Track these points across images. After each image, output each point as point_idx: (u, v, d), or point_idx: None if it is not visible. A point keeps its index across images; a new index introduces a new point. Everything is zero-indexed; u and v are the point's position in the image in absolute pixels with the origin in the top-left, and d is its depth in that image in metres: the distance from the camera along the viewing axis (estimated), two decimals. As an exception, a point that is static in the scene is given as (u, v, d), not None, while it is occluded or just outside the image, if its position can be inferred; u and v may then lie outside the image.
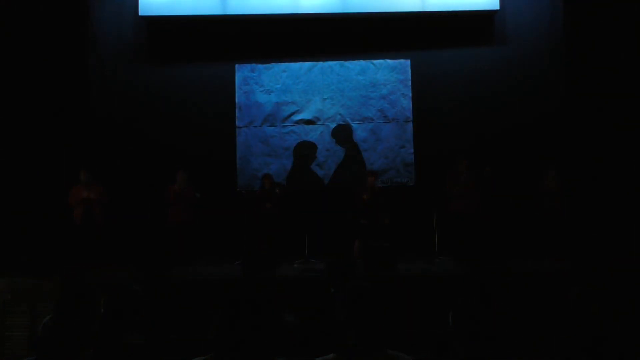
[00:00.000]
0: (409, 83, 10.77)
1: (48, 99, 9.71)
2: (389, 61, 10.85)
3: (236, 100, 10.81)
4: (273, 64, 10.86)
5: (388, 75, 10.83)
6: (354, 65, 10.86)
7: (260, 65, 10.88)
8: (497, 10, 10.36)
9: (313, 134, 10.82)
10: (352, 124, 10.81)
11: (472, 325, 2.49)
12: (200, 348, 2.50)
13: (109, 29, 10.62)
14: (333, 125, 10.82)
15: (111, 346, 2.62)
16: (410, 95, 10.75)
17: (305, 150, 10.79)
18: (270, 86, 10.85)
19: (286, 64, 10.86)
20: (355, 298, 2.52)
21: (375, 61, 10.86)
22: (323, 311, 3.83)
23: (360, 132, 10.80)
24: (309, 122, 10.82)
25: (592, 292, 2.80)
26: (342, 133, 10.80)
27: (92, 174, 9.04)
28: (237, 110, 10.80)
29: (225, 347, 2.36)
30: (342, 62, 10.85)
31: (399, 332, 4.17)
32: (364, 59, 10.84)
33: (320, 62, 10.85)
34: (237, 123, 10.81)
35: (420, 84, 10.69)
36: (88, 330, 3.43)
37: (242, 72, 10.88)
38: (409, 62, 10.81)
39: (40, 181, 9.59)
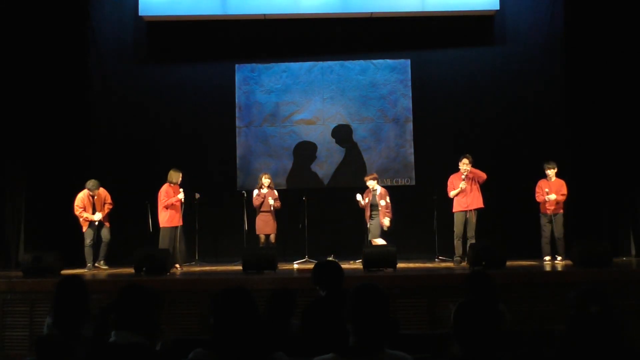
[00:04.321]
0: (409, 83, 10.77)
1: (48, 99, 9.70)
2: (389, 61, 10.85)
3: (236, 100, 10.81)
4: (273, 64, 10.86)
5: (388, 75, 10.83)
6: (354, 65, 10.86)
7: (260, 65, 10.89)
8: (496, 10, 10.35)
9: (313, 134, 10.82)
10: (352, 124, 10.81)
11: (472, 325, 2.49)
12: (199, 347, 2.50)
13: (109, 29, 10.62)
14: (333, 125, 10.82)
15: (106, 344, 2.62)
16: (411, 95, 10.75)
17: (305, 150, 10.79)
18: (271, 86, 10.85)
19: (286, 64, 10.85)
20: (355, 297, 2.52)
21: (375, 61, 10.86)
22: (319, 312, 3.82)
23: (360, 132, 10.80)
24: (309, 122, 10.82)
25: (592, 293, 2.81)
26: (342, 133, 10.80)
27: (97, 182, 8.95)
28: (237, 110, 10.80)
29: (223, 344, 2.37)
30: (342, 62, 10.85)
31: (398, 332, 4.17)
32: (364, 59, 10.84)
33: (320, 62, 10.85)
34: (237, 123, 10.81)
35: (420, 84, 10.69)
36: (84, 330, 3.43)
37: (242, 72, 10.89)
38: (409, 62, 10.81)
39: (39, 180, 9.59)
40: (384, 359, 2.41)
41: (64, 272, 7.41)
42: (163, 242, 8.76)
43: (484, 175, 8.65)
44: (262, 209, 9.36)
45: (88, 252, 8.85)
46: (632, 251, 9.44)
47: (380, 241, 9.05)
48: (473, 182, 8.67)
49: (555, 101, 10.27)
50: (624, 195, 9.62)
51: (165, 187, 8.91)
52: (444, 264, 8.86)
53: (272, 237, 9.37)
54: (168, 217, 8.84)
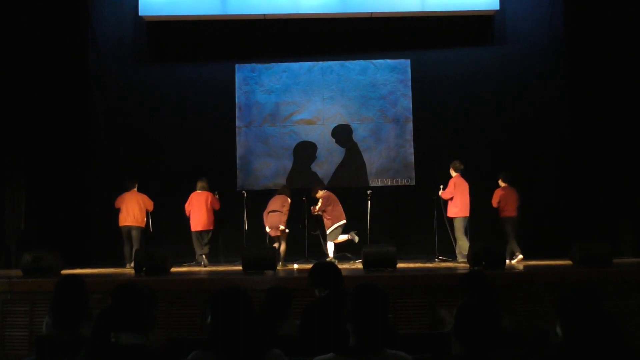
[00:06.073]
0: (409, 83, 10.77)
1: (48, 98, 9.69)
2: (389, 61, 10.85)
3: (236, 100, 10.82)
4: (273, 64, 10.87)
5: (388, 75, 10.83)
6: (354, 66, 10.86)
7: (260, 65, 10.89)
8: (496, 10, 10.35)
9: (313, 134, 10.83)
10: (352, 124, 10.82)
11: (472, 324, 2.49)
12: (198, 348, 2.51)
13: (109, 29, 10.62)
14: (333, 125, 10.82)
15: (107, 346, 2.62)
16: (410, 95, 10.75)
17: (305, 150, 10.80)
18: (271, 86, 10.85)
19: (286, 64, 10.86)
20: (355, 297, 2.52)
21: (375, 61, 10.86)
22: (319, 312, 3.82)
23: (360, 132, 10.81)
24: (309, 122, 10.82)
25: (590, 291, 2.80)
26: (342, 133, 10.80)
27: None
28: (237, 110, 10.81)
29: (220, 344, 2.37)
30: (342, 62, 10.85)
31: (398, 332, 4.17)
32: (364, 59, 10.84)
33: (321, 62, 10.85)
34: (237, 123, 10.81)
35: (420, 84, 10.69)
36: (84, 329, 3.43)
37: (242, 72, 10.89)
38: (409, 62, 10.81)
39: (40, 179, 9.58)
40: (384, 358, 2.41)
41: (64, 272, 7.40)
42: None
43: (444, 197, 9.10)
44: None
45: None
46: (633, 251, 9.44)
47: (329, 245, 9.52)
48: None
49: (555, 101, 10.27)
50: (624, 195, 9.61)
51: (212, 195, 9.48)
52: (443, 264, 8.86)
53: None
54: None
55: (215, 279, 7.39)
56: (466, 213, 8.92)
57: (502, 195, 9.19)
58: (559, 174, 10.11)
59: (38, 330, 5.90)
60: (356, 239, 9.46)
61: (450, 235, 9.14)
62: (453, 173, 9.07)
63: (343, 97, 10.83)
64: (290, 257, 9.49)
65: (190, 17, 10.42)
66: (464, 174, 9.07)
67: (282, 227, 9.14)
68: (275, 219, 9.19)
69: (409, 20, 10.42)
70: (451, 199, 8.96)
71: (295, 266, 9.00)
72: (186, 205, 9.43)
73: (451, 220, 9.05)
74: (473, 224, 9.08)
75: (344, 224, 9.45)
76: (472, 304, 2.58)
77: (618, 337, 2.36)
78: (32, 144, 9.58)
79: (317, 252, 9.65)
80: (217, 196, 9.57)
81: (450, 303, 5.44)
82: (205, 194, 9.43)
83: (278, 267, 8.01)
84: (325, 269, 4.18)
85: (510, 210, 9.12)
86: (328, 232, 9.45)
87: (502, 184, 9.28)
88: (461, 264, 8.54)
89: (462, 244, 8.79)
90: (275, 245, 9.13)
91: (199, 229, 9.37)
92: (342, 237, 9.52)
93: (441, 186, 9.10)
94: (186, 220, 9.45)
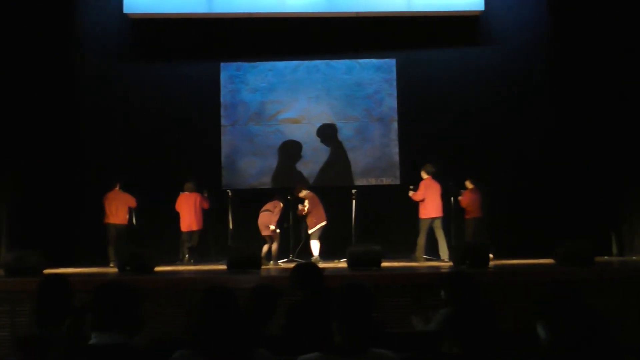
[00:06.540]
0: (395, 82, 10.80)
1: (33, 97, 9.57)
2: (375, 61, 10.87)
3: (221, 99, 10.78)
4: (259, 62, 10.84)
5: (373, 74, 10.85)
6: (340, 65, 10.86)
7: (245, 64, 10.86)
8: (482, 11, 10.39)
9: (298, 132, 10.82)
10: (338, 123, 10.82)
11: (468, 325, 2.51)
12: (182, 348, 2.50)
13: (94, 26, 10.52)
14: (318, 124, 10.82)
15: (85, 347, 2.60)
16: (396, 94, 10.79)
17: (290, 149, 10.79)
18: (256, 85, 10.82)
19: (272, 62, 10.84)
20: (341, 296, 2.53)
21: (360, 60, 10.88)
22: (304, 311, 3.83)
23: (345, 131, 10.82)
24: (294, 121, 10.81)
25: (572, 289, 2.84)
26: (328, 132, 10.81)
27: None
28: (222, 109, 10.77)
29: (205, 344, 2.37)
30: (327, 61, 10.86)
31: (383, 331, 4.18)
32: (349, 58, 10.85)
33: (306, 61, 10.85)
34: (223, 122, 10.77)
35: (405, 83, 10.73)
36: (65, 329, 3.40)
37: (228, 71, 10.85)
38: (394, 61, 10.84)
39: (25, 178, 9.46)
40: (370, 357, 2.42)
41: (47, 271, 7.32)
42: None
43: (415, 199, 9.16)
44: None
45: None
46: (614, 250, 9.55)
47: (313, 244, 9.41)
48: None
49: (540, 101, 10.34)
50: (606, 195, 9.69)
51: (200, 196, 9.58)
52: (428, 263, 8.90)
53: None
54: None
55: (200, 278, 7.37)
56: (437, 214, 9.10)
57: (471, 197, 9.42)
58: (542, 174, 10.17)
59: (20, 330, 5.84)
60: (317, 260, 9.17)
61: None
62: (424, 175, 9.21)
63: (328, 96, 10.83)
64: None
65: (176, 15, 10.36)
66: (435, 177, 9.15)
67: (272, 227, 9.13)
68: (265, 218, 9.20)
69: (394, 20, 10.44)
70: (422, 200, 9.09)
71: (280, 264, 9.00)
72: (176, 207, 9.57)
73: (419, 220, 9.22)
74: (458, 225, 9.15)
75: (325, 224, 9.46)
76: (468, 304, 2.60)
77: (603, 333, 2.39)
78: (16, 142, 9.44)
79: (302, 251, 9.62)
80: (206, 195, 9.67)
81: (434, 302, 5.46)
82: (193, 195, 9.55)
83: (269, 266, 7.98)
84: (306, 270, 4.20)
85: (476, 211, 9.38)
86: (310, 231, 9.44)
87: (469, 185, 9.50)
88: (445, 262, 8.60)
89: (420, 244, 9.08)
90: (266, 246, 9.12)
91: (189, 229, 9.50)
92: (317, 245, 9.42)
93: (411, 187, 9.19)
94: (171, 219, 9.45)
